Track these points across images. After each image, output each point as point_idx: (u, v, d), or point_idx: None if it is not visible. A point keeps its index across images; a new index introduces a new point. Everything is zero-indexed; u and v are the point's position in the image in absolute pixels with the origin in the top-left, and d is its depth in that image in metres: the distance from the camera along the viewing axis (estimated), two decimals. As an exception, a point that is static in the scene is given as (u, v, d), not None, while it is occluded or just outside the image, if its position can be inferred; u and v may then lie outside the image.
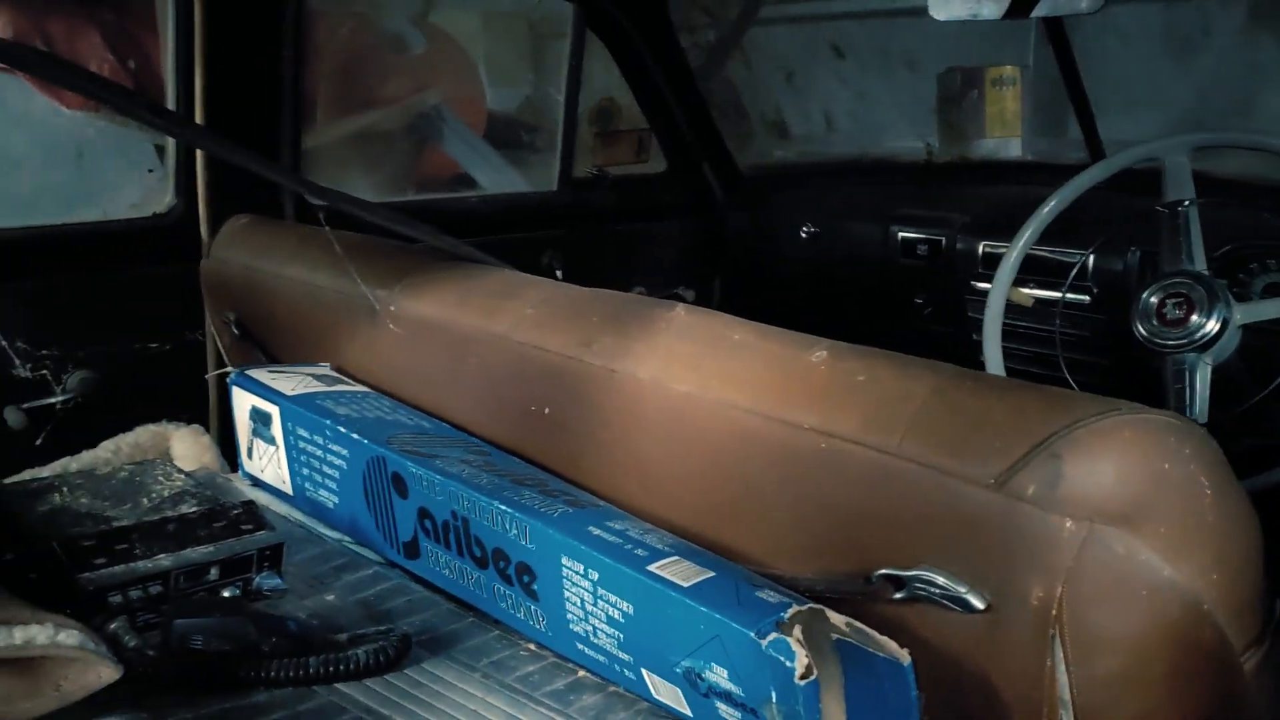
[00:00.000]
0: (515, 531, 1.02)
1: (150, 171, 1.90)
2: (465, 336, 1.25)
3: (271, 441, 1.33)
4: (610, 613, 0.95)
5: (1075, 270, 2.01)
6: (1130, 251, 1.99)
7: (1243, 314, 1.72)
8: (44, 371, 1.67)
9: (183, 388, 1.77)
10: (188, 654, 0.95)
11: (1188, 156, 1.80)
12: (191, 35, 1.74)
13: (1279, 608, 0.85)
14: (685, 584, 0.91)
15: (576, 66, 2.47)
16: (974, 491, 0.81)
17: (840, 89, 3.49)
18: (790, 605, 0.84)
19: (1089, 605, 0.78)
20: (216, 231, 1.69)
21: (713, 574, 0.92)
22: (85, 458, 1.49)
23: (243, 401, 1.37)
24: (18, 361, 1.65)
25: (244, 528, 1.12)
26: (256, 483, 1.39)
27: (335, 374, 1.41)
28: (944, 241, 2.34)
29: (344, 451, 1.22)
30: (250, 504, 1.16)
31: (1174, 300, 1.75)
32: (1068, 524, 0.77)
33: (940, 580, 0.84)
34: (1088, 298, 2.04)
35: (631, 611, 0.94)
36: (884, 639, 0.84)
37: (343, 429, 1.22)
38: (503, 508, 1.04)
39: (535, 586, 1.02)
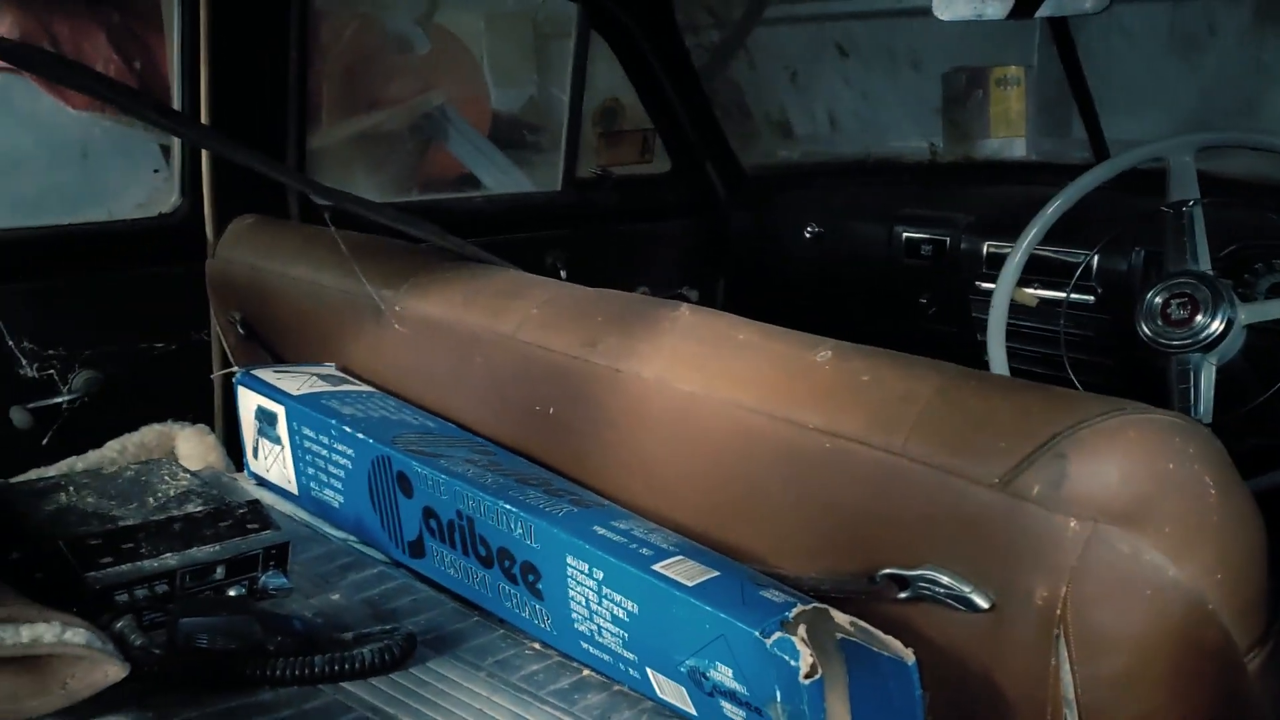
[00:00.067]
0: (520, 531, 1.03)
1: (156, 171, 1.91)
2: (470, 336, 1.25)
3: (277, 441, 1.33)
4: (615, 612, 0.95)
5: (1080, 270, 2.01)
6: (1135, 251, 1.99)
7: (1247, 314, 1.72)
8: (50, 371, 1.67)
9: (188, 387, 1.77)
10: (193, 652, 0.95)
11: (1192, 156, 1.80)
12: (197, 35, 1.75)
13: None
14: (690, 583, 0.91)
15: (581, 66, 2.47)
16: (978, 491, 0.81)
17: (845, 89, 3.48)
18: (795, 604, 0.85)
19: (1093, 605, 0.78)
20: (222, 231, 1.69)
21: (717, 573, 0.92)
22: (91, 457, 1.49)
23: (248, 401, 1.37)
24: (24, 361, 1.65)
25: (249, 527, 1.12)
26: (262, 482, 1.40)
27: (340, 374, 1.42)
28: (948, 241, 2.34)
29: (349, 451, 1.23)
30: (256, 503, 1.17)
31: (1178, 300, 1.75)
32: (1072, 524, 0.77)
33: (945, 579, 0.84)
34: (1092, 298, 2.04)
35: (636, 611, 0.94)
36: (888, 638, 0.84)
37: (348, 428, 1.23)
38: (508, 507, 1.04)
39: (540, 586, 1.03)
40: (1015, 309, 1.98)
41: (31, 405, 1.66)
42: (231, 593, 1.09)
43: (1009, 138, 2.95)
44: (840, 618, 0.84)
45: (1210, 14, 3.01)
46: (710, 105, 2.71)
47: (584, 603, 0.98)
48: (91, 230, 1.76)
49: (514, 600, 1.06)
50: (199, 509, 1.15)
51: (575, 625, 1.00)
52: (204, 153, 1.79)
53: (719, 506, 1.03)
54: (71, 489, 1.18)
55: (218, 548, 1.09)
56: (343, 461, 1.24)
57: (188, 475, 1.25)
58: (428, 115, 2.62)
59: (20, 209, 1.81)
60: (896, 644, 0.84)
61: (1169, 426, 0.80)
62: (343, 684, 0.98)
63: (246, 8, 1.79)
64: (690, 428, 1.03)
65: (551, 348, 1.15)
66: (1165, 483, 0.78)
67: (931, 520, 0.86)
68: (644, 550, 0.96)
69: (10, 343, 1.64)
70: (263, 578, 1.11)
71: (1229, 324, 1.71)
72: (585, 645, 1.00)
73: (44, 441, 1.67)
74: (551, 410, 1.16)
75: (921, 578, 0.85)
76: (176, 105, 1.80)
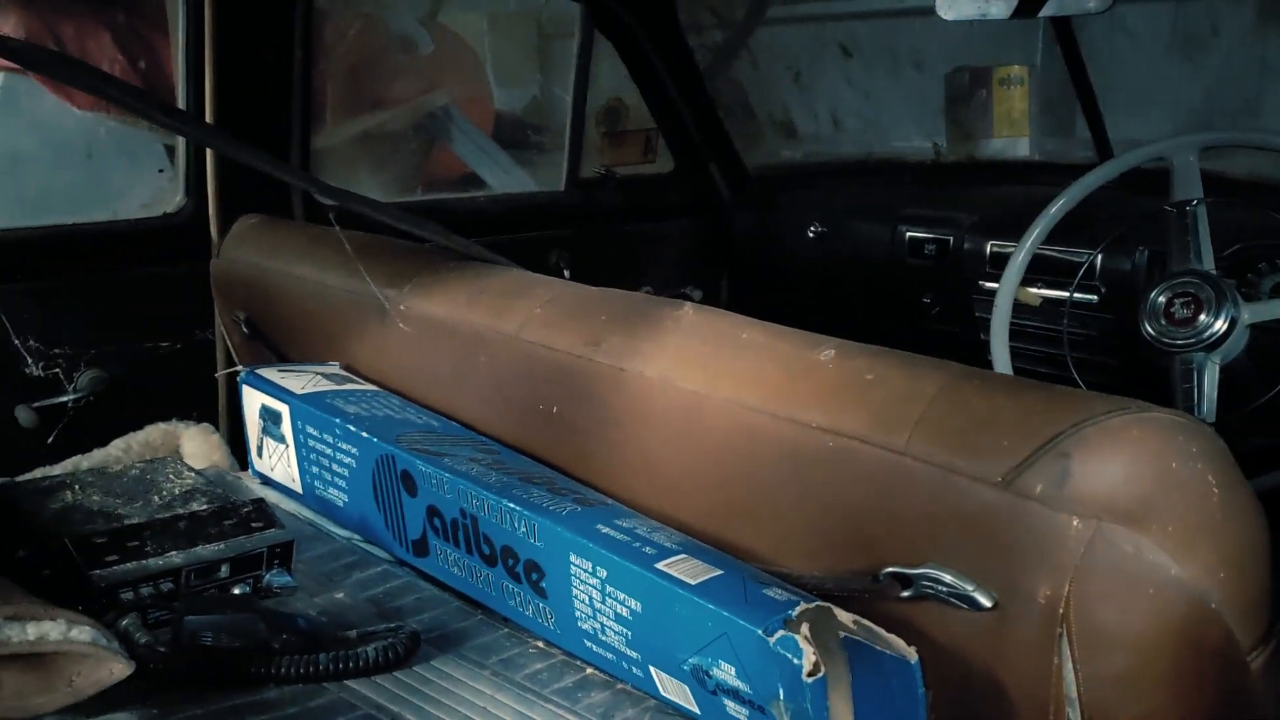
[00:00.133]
0: (524, 529, 1.03)
1: (160, 171, 1.91)
2: (474, 336, 1.25)
3: (281, 440, 1.34)
4: (618, 610, 0.96)
5: (1083, 270, 2.01)
6: (1138, 251, 1.99)
7: (1251, 313, 1.72)
8: (55, 370, 1.68)
9: (193, 387, 1.78)
10: (198, 650, 0.96)
11: (1196, 156, 1.80)
12: (202, 36, 1.75)
13: None
14: (693, 582, 0.91)
15: (584, 67, 2.47)
16: (981, 490, 0.81)
17: (848, 89, 3.48)
18: (798, 603, 0.85)
19: (1096, 603, 0.78)
20: (226, 231, 1.70)
21: (720, 572, 0.93)
22: (96, 456, 1.50)
23: (253, 400, 1.37)
24: (29, 360, 1.66)
25: (254, 525, 1.13)
26: (266, 481, 1.40)
27: (345, 373, 1.42)
28: (951, 241, 2.34)
29: (353, 450, 1.23)
30: (260, 502, 1.17)
31: (1182, 300, 1.75)
32: (1075, 522, 0.77)
33: (947, 578, 0.84)
34: (1095, 297, 2.04)
35: (639, 609, 0.94)
36: (891, 636, 0.84)
37: (352, 427, 1.23)
38: (511, 506, 1.04)
39: (544, 584, 1.03)
40: (1018, 308, 1.98)
41: (37, 404, 1.66)
42: (236, 591, 1.09)
43: (1012, 137, 2.94)
44: (843, 616, 0.84)
45: (1213, 13, 3.00)
46: (713, 105, 2.71)
47: (587, 601, 0.98)
48: (97, 230, 1.77)
49: (518, 599, 1.07)
50: (204, 508, 1.15)
51: (578, 624, 1.00)
52: (208, 152, 1.79)
53: (722, 505, 1.03)
54: (77, 487, 1.19)
55: (222, 546, 1.09)
56: (347, 460, 1.24)
57: (192, 474, 1.26)
58: (431, 115, 2.62)
59: (26, 209, 1.81)
60: (899, 642, 0.84)
61: (1172, 425, 0.80)
62: (347, 682, 0.98)
63: (251, 8, 1.80)
64: (694, 427, 1.03)
65: (555, 347, 1.15)
66: (1168, 482, 0.78)
67: (934, 519, 0.86)
68: (647, 549, 0.96)
69: (16, 342, 1.64)
70: (267, 576, 1.11)
71: (1232, 323, 1.71)
72: (588, 644, 1.01)
73: (49, 440, 1.67)
74: (555, 409, 1.16)
75: (924, 576, 0.85)
76: (181, 105, 1.80)
